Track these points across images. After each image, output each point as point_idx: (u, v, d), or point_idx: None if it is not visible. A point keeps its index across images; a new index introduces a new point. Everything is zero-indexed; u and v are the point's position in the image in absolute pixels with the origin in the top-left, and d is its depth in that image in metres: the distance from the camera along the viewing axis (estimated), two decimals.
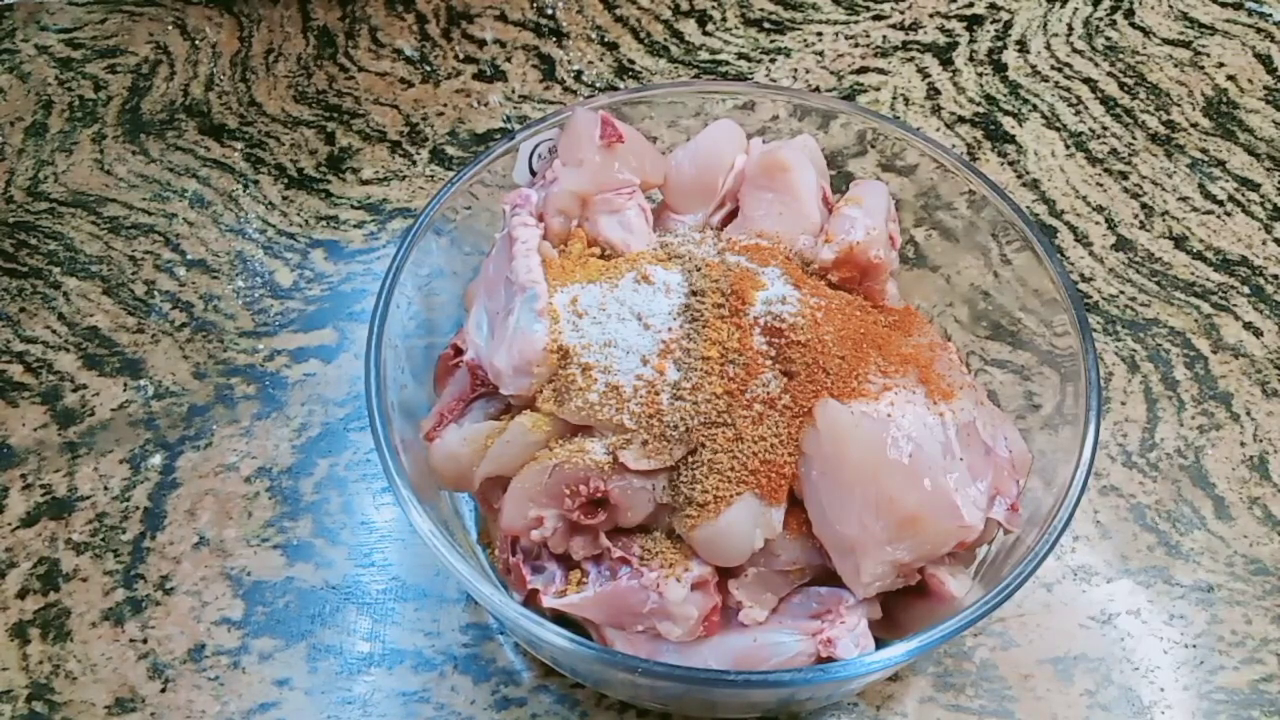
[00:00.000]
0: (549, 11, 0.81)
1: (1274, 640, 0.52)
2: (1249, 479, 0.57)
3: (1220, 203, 0.69)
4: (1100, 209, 0.69)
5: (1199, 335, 0.63)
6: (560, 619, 0.43)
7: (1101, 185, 0.70)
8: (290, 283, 0.65)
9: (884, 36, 0.80)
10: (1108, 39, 0.79)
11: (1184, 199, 0.69)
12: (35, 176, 0.71)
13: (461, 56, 0.78)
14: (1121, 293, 0.65)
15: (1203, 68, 0.77)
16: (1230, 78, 0.77)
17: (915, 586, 0.44)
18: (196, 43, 0.79)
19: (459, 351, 0.48)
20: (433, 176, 0.70)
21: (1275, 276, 0.65)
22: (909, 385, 0.44)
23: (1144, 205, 0.69)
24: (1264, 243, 0.67)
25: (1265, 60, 0.78)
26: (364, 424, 0.58)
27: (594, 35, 0.80)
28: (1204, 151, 0.72)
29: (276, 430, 0.58)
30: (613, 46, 0.79)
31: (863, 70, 0.77)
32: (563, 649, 0.40)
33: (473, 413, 0.47)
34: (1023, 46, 0.79)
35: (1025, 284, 0.51)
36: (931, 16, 0.81)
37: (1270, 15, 0.80)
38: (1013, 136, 0.73)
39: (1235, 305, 0.64)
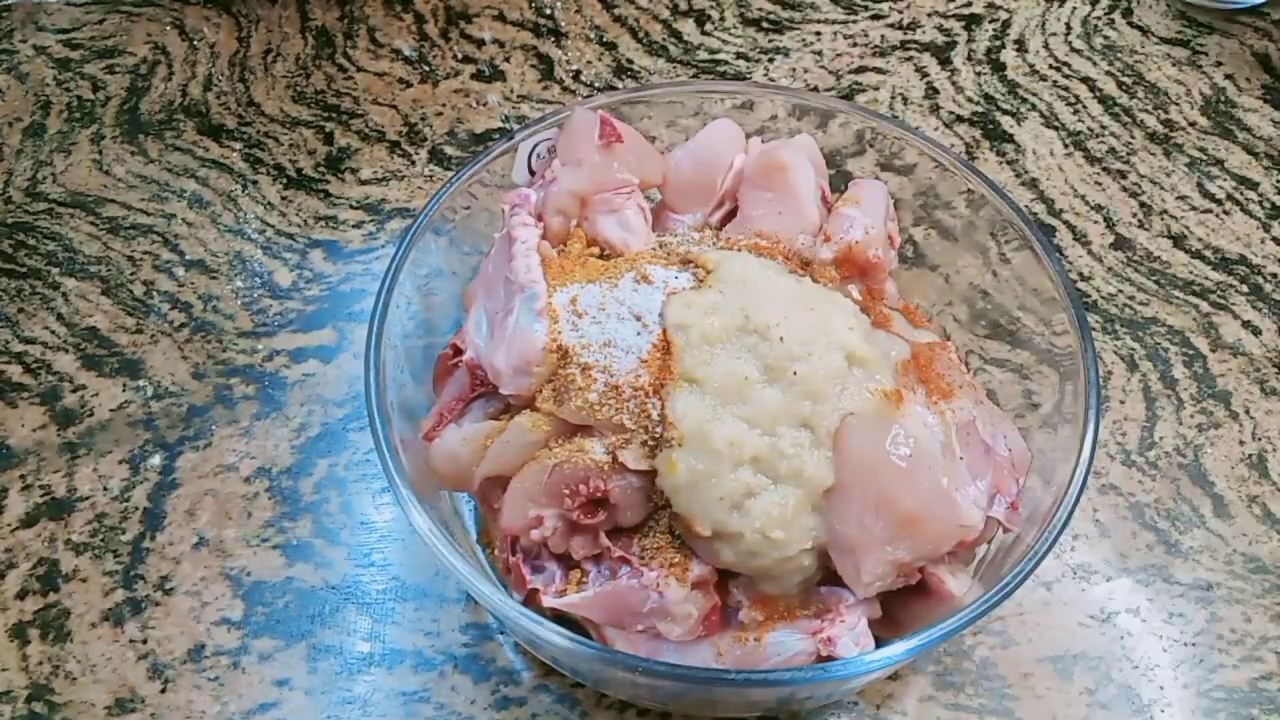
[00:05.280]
0: (547, 11, 0.81)
1: (1273, 638, 0.52)
2: (1248, 477, 0.57)
3: (1219, 201, 0.69)
4: (1099, 208, 0.69)
5: (1197, 334, 0.63)
6: (560, 618, 0.43)
7: (1100, 184, 0.70)
8: (289, 283, 0.65)
9: (882, 36, 0.80)
10: (1106, 38, 0.80)
11: (1182, 198, 0.70)
12: (34, 177, 0.71)
13: (460, 56, 0.78)
14: (1120, 291, 0.65)
15: (1201, 67, 0.77)
16: (1228, 77, 0.77)
17: (915, 585, 0.44)
18: (195, 43, 0.79)
19: (458, 351, 0.48)
20: (431, 176, 0.70)
21: (1273, 275, 0.66)
22: (909, 385, 0.44)
23: (1142, 204, 0.69)
24: (1262, 241, 0.67)
25: (1263, 59, 0.78)
26: (363, 424, 0.58)
27: (592, 35, 0.80)
28: (1202, 150, 0.72)
29: (276, 430, 0.58)
30: (611, 46, 0.79)
31: (861, 70, 0.77)
32: (563, 648, 0.40)
33: (472, 412, 0.47)
34: (1021, 46, 0.79)
35: (1024, 283, 0.51)
36: (930, 16, 0.81)
37: (1269, 14, 0.80)
38: (1011, 136, 0.73)
39: (1234, 304, 0.64)
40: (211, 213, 0.69)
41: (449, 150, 0.72)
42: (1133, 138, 0.73)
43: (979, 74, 0.77)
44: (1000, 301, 0.54)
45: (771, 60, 0.78)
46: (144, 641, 0.51)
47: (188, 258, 0.66)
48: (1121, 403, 0.60)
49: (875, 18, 0.81)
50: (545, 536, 0.43)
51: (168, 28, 0.80)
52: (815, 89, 0.76)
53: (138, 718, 0.49)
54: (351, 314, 0.63)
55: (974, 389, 0.47)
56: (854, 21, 0.81)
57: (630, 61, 0.78)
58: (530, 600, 0.44)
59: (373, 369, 0.45)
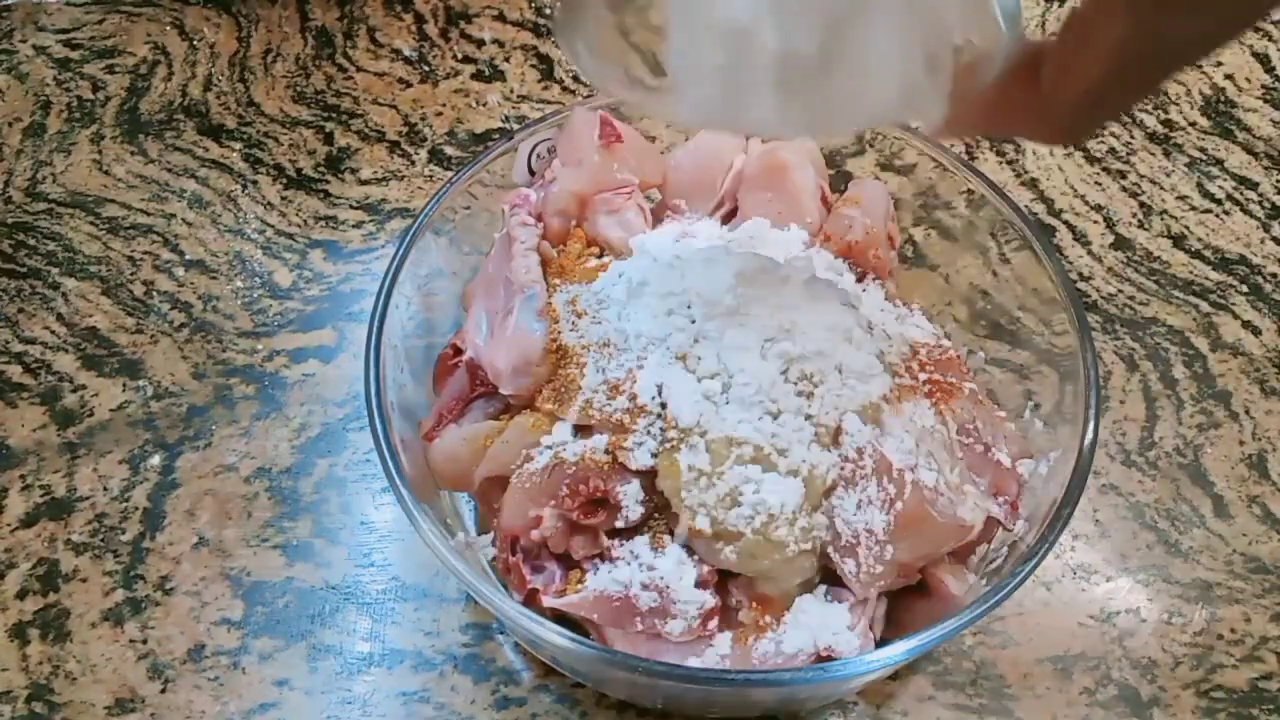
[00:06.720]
0: (547, 11, 0.81)
1: (1273, 638, 0.52)
2: (1248, 477, 0.57)
3: (1218, 201, 0.69)
4: (1099, 208, 0.69)
5: (1197, 334, 0.63)
6: (560, 618, 0.43)
7: (1100, 184, 0.70)
8: (289, 283, 0.65)
9: None
10: None
11: (1182, 198, 0.70)
12: (34, 177, 0.71)
13: (460, 56, 0.78)
14: (1120, 291, 0.65)
15: (1200, 66, 0.77)
16: (1228, 76, 0.77)
17: (915, 585, 0.44)
18: (195, 43, 0.79)
19: (458, 351, 0.48)
20: (431, 176, 0.70)
21: (1273, 275, 0.66)
22: (909, 385, 0.44)
23: (1142, 204, 0.69)
24: (1262, 241, 0.67)
25: (1263, 59, 0.78)
26: (363, 424, 0.58)
27: None
28: (1202, 150, 0.72)
29: (276, 430, 0.58)
30: None
31: None
32: (563, 648, 0.40)
33: (472, 412, 0.47)
34: None
35: (1024, 283, 0.51)
36: None
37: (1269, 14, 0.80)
38: (1011, 135, 0.73)
39: (1234, 304, 0.64)
40: (211, 213, 0.69)
41: (449, 150, 0.72)
42: (1132, 138, 0.73)
43: None
44: (1000, 301, 0.54)
45: None
46: (144, 641, 0.51)
47: (188, 258, 0.66)
48: (1121, 403, 0.60)
49: None
50: (545, 536, 0.43)
51: (168, 28, 0.80)
52: None
53: (138, 718, 0.49)
54: (351, 314, 0.63)
55: (974, 389, 0.47)
56: None
57: None
58: (530, 600, 0.44)
59: (373, 369, 0.45)
